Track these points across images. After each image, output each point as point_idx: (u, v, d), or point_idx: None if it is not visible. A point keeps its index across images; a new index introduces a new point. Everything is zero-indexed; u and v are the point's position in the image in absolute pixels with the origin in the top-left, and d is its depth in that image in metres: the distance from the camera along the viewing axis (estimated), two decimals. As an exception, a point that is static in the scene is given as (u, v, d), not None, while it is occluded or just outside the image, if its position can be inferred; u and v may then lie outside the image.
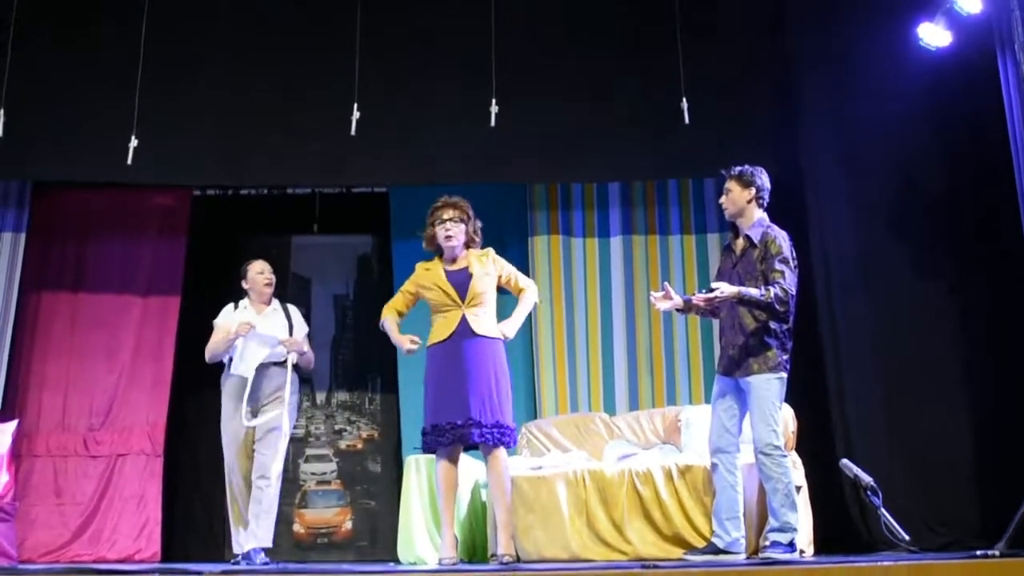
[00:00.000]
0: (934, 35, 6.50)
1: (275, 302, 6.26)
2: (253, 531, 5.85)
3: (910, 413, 6.58)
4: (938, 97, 6.79)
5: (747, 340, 5.20)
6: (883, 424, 6.60)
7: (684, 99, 6.34)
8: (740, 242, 5.38)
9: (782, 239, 5.26)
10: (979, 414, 6.53)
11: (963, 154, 6.78)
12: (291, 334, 6.13)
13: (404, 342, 5.47)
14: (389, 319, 5.60)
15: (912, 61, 6.73)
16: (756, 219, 5.35)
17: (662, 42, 6.77)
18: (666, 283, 5.47)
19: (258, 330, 5.97)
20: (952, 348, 6.67)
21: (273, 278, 6.26)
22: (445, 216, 5.47)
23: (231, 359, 6.02)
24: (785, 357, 5.20)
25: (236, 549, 6.02)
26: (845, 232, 6.86)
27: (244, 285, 6.24)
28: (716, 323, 5.83)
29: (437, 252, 5.57)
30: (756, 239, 5.28)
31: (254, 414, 5.92)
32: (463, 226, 5.47)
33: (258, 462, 5.91)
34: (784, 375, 5.19)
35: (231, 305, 6.22)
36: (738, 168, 5.40)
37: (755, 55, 7.23)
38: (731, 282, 5.24)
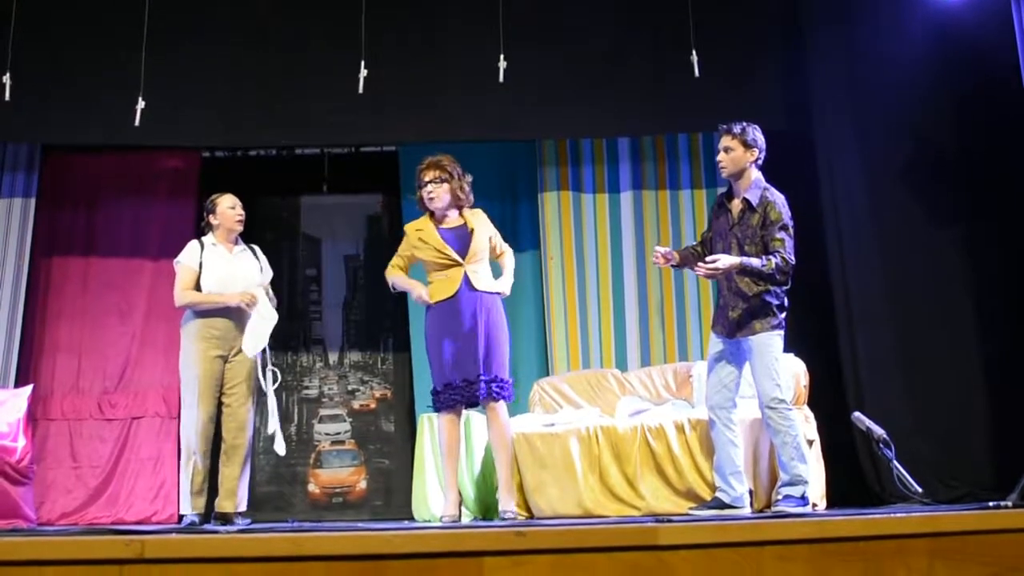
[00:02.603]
0: (946, -16, 6.44)
1: (240, 242, 5.97)
2: (232, 492, 5.69)
3: (922, 366, 6.58)
4: (949, 48, 6.72)
5: (748, 304, 5.16)
6: (895, 377, 6.60)
7: (694, 53, 6.28)
8: (737, 204, 5.29)
9: (781, 204, 5.19)
10: (992, 366, 6.51)
11: (974, 106, 6.70)
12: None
13: (418, 286, 5.51)
14: (397, 276, 5.64)
15: (924, 13, 6.68)
16: (753, 180, 5.27)
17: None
18: (671, 252, 5.44)
19: (243, 285, 5.72)
20: (965, 300, 6.65)
21: (244, 215, 5.95)
22: (426, 178, 5.51)
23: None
24: (783, 314, 5.19)
25: (187, 510, 5.64)
26: (856, 184, 6.82)
27: (212, 220, 5.89)
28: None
29: (429, 212, 5.58)
30: (754, 202, 5.20)
31: (226, 361, 5.74)
32: (446, 185, 5.49)
33: (237, 416, 5.73)
34: (783, 331, 5.19)
35: (196, 242, 5.89)
36: (739, 126, 5.27)
37: (765, 8, 7.17)
38: (727, 244, 5.23)
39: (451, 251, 5.41)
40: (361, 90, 6.14)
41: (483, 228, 5.55)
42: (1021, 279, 6.50)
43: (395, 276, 5.65)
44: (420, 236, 5.50)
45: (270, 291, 5.92)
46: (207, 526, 5.45)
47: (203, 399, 5.65)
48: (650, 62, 7.03)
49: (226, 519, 5.66)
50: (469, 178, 5.59)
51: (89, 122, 6.87)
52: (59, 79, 6.83)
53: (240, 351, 5.71)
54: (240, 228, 5.94)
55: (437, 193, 5.48)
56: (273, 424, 5.79)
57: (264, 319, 5.73)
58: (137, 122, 6.18)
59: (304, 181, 8.26)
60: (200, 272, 5.76)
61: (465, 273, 5.40)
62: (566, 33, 7.06)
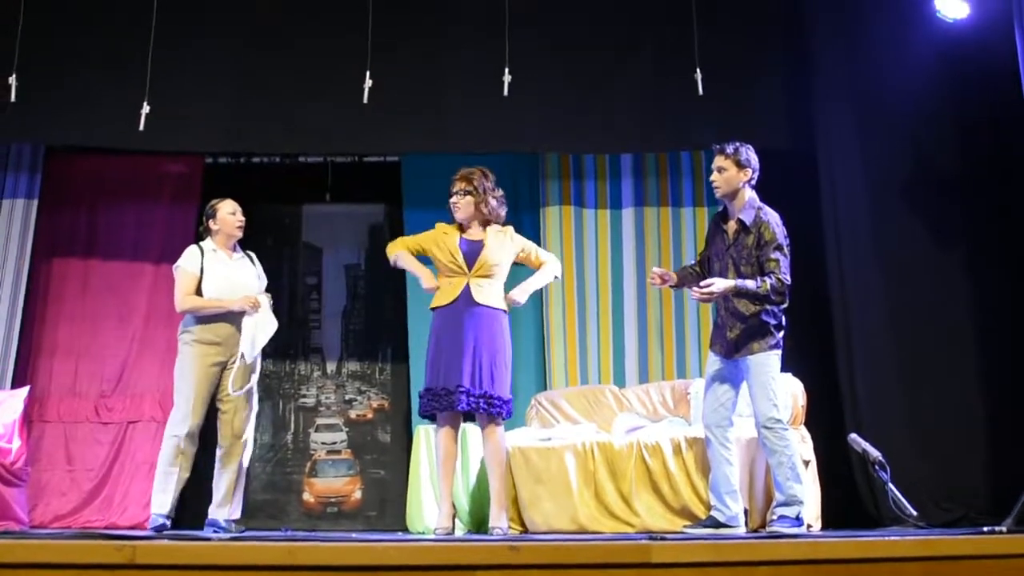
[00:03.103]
0: (951, 6, 6.44)
1: (239, 248, 5.93)
2: (227, 499, 5.66)
3: (920, 388, 6.57)
4: (953, 67, 6.73)
5: (746, 325, 5.17)
6: (893, 399, 6.59)
7: (698, 70, 6.29)
8: (732, 224, 5.29)
9: (775, 224, 5.20)
10: (990, 390, 6.51)
11: (978, 124, 6.73)
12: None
13: (428, 276, 5.58)
14: (404, 253, 5.70)
15: (928, 33, 6.69)
16: (747, 200, 5.27)
17: (676, 12, 6.71)
18: (668, 273, 5.46)
19: (243, 291, 5.70)
20: (964, 322, 6.64)
21: (244, 221, 5.91)
22: (453, 189, 5.61)
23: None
24: (781, 334, 5.19)
25: (163, 510, 5.53)
26: (858, 204, 6.81)
27: (212, 225, 5.83)
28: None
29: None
30: (748, 222, 5.20)
31: (224, 367, 5.69)
32: (470, 198, 5.55)
33: (234, 424, 5.68)
34: (780, 351, 5.19)
35: (195, 247, 5.84)
36: (731, 146, 5.28)
37: (769, 26, 7.18)
38: (724, 264, 5.24)
39: (460, 259, 5.47)
40: (365, 100, 6.15)
41: (500, 245, 5.57)
42: (1022, 300, 6.50)
43: (401, 251, 5.71)
44: (444, 238, 5.58)
45: (270, 298, 5.90)
46: (199, 532, 5.42)
47: (196, 406, 5.61)
48: (653, 79, 7.04)
49: (219, 526, 5.64)
50: (499, 193, 5.65)
51: (93, 125, 6.87)
52: (64, 81, 6.83)
53: (240, 357, 5.69)
54: (240, 234, 5.91)
55: (460, 205, 5.58)
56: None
57: (265, 324, 5.73)
58: (141, 126, 6.18)
59: (306, 189, 8.26)
60: (201, 277, 5.73)
61: (467, 284, 5.43)
62: (570, 48, 7.07)
